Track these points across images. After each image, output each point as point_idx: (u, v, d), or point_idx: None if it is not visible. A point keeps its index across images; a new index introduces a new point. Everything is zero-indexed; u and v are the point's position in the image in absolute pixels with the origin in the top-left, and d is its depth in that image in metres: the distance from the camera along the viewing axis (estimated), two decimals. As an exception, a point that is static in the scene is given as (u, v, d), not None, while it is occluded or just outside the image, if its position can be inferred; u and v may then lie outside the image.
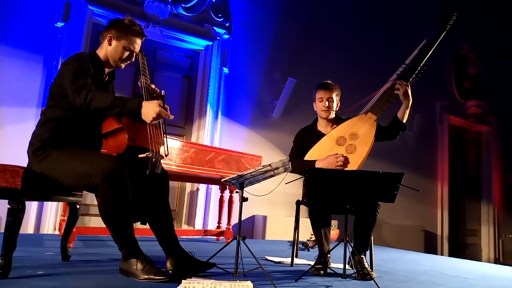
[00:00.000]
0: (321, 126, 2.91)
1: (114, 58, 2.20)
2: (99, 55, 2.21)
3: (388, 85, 2.82)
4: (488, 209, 8.07)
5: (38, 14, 4.32)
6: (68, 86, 1.99)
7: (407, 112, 2.79)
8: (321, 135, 2.83)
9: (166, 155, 2.22)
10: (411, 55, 2.88)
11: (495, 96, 8.25)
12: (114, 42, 2.18)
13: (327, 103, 2.82)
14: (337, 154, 2.61)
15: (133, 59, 2.27)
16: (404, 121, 2.79)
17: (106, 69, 2.25)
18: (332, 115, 2.88)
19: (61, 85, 2.04)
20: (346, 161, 2.61)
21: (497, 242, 8.02)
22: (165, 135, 2.23)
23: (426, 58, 2.87)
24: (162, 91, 2.06)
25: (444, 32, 2.95)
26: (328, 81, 2.91)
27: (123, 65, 2.25)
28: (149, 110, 1.89)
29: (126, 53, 2.20)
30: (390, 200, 2.27)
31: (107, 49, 2.20)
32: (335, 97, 2.87)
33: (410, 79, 2.82)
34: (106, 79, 2.27)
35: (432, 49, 2.90)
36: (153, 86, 2.28)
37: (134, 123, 2.13)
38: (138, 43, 2.23)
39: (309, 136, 2.88)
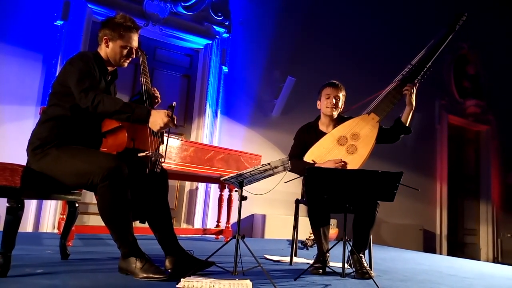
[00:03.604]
0: (323, 125, 2.90)
1: (114, 59, 2.18)
2: (101, 55, 2.20)
3: (392, 86, 2.77)
4: (487, 209, 8.09)
5: (37, 12, 4.31)
6: (73, 85, 1.98)
7: (411, 115, 2.77)
8: (322, 134, 2.82)
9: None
10: (417, 56, 2.81)
11: (494, 95, 8.26)
12: (110, 44, 2.16)
13: (334, 100, 2.82)
14: (337, 159, 2.60)
15: (134, 56, 2.25)
16: (407, 124, 2.77)
17: (108, 69, 2.23)
18: (336, 114, 2.87)
19: (65, 84, 2.03)
20: (345, 166, 2.59)
21: (495, 241, 8.04)
22: (165, 134, 2.23)
23: (433, 59, 2.80)
24: (174, 103, 2.04)
25: (453, 33, 2.87)
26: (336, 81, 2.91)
27: (125, 64, 2.22)
28: (157, 119, 1.92)
29: (125, 51, 2.17)
30: (389, 199, 2.27)
31: (106, 50, 2.18)
32: (342, 97, 2.87)
33: (416, 80, 2.77)
34: (109, 78, 2.26)
35: (440, 50, 2.82)
36: (154, 90, 2.28)
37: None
38: (134, 38, 2.19)
39: (310, 134, 2.87)
